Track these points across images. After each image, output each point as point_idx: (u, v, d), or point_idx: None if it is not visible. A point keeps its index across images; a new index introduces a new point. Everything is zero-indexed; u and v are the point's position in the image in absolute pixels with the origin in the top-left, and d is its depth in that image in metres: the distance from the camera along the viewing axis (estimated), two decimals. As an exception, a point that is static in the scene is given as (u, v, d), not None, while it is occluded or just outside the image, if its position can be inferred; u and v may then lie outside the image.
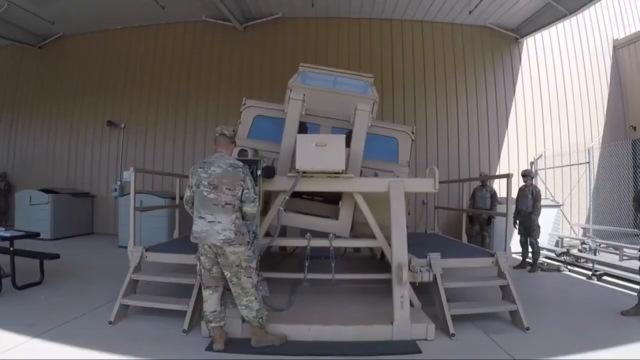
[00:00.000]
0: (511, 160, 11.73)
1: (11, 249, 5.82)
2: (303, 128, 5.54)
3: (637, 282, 6.12)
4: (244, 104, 5.97)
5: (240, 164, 3.97)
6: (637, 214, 5.80)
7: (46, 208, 10.71)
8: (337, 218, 5.28)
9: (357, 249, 7.53)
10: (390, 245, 4.72)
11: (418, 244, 5.70)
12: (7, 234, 5.91)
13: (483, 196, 9.21)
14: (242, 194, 3.87)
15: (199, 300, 4.39)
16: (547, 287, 6.93)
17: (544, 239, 9.57)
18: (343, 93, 5.61)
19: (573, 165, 10.97)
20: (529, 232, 8.16)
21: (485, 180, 9.34)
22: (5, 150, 13.26)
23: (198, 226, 3.81)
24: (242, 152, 5.34)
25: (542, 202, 8.24)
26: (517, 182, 8.72)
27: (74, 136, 12.74)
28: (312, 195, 5.66)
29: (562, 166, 11.20)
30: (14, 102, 13.25)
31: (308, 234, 4.99)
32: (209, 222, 3.76)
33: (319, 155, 4.52)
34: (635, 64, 12.27)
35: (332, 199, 5.47)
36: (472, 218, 9.26)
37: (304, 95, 5.36)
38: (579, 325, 4.86)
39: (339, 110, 5.50)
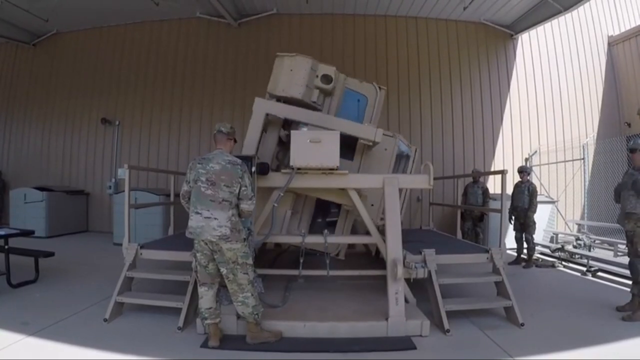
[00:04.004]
0: (506, 156, 11.75)
1: (6, 247, 5.81)
2: (355, 140, 5.36)
3: (631, 278, 6.15)
4: (381, 89, 5.84)
5: (239, 161, 3.97)
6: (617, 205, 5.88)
7: (41, 206, 10.66)
8: None
9: (351, 245, 7.53)
10: (385, 241, 4.73)
11: (413, 240, 5.71)
12: (2, 232, 5.91)
13: (475, 192, 9.24)
14: (239, 191, 3.87)
15: (194, 297, 4.40)
16: (541, 283, 6.95)
17: (539, 235, 9.60)
18: (389, 168, 5.64)
19: (568, 161, 11.02)
20: (524, 228, 8.19)
21: (476, 177, 9.33)
22: (0, 148, 13.17)
23: (194, 221, 3.81)
24: (326, 76, 5.31)
25: (537, 199, 8.26)
26: (512, 178, 8.75)
27: (68, 133, 12.66)
28: None
29: (556, 162, 11.24)
30: (8, 99, 13.14)
31: (303, 230, 5.00)
32: (205, 217, 3.76)
33: (313, 152, 4.52)
34: (630, 60, 12.31)
35: None
36: (464, 214, 9.28)
37: (390, 148, 5.57)
38: (573, 321, 4.88)
39: (376, 163, 5.60)
